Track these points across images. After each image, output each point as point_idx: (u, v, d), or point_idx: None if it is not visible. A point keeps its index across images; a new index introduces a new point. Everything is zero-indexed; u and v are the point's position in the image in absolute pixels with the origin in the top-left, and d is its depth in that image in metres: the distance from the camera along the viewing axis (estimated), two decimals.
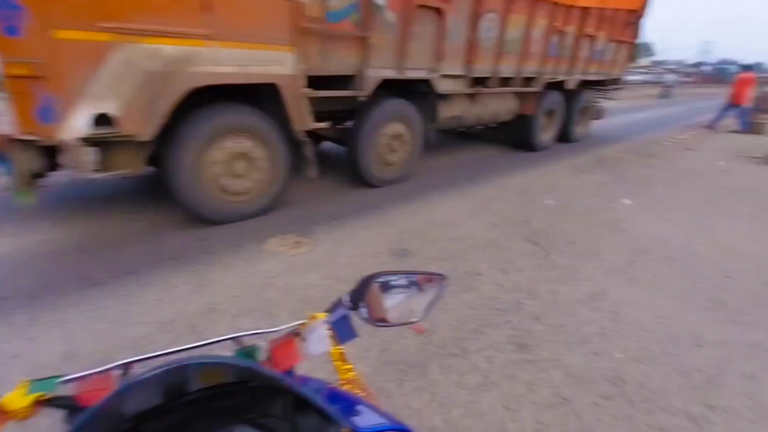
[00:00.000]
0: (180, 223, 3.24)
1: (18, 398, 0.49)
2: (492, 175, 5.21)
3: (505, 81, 5.42)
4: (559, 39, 5.77)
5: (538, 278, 2.73)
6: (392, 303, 0.73)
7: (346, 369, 0.67)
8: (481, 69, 4.91)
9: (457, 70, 4.66)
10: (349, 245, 3.08)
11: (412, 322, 0.75)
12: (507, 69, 5.27)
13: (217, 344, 0.65)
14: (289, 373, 0.65)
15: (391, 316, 0.73)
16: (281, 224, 3.37)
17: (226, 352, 0.66)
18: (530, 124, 6.27)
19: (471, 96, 5.07)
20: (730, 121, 9.84)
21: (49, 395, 0.52)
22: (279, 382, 0.46)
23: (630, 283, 2.72)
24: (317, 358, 0.68)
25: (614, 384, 1.85)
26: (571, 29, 5.86)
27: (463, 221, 3.66)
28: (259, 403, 0.56)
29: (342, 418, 0.45)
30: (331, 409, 0.44)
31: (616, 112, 12.90)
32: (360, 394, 0.65)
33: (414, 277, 0.76)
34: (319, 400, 0.44)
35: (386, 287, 0.73)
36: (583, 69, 6.58)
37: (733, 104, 9.66)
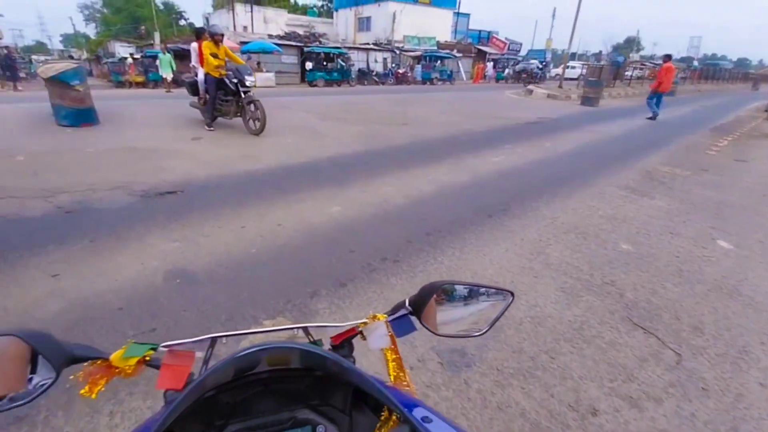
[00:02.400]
0: None
1: (125, 357, 0.54)
2: (526, 199, 4.17)
3: None
4: None
5: (692, 419, 1.66)
6: (455, 314, 0.68)
7: (398, 366, 0.67)
8: None
9: None
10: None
11: (475, 335, 0.69)
12: None
13: (287, 331, 0.68)
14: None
15: (453, 326, 0.68)
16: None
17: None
18: None
19: None
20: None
21: (151, 356, 0.56)
22: (358, 376, 0.47)
23: None
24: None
25: None
26: None
27: (523, 287, 2.59)
28: (322, 392, 0.58)
29: (420, 424, 0.43)
30: (407, 412, 0.43)
31: (636, 112, 11.87)
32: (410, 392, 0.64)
33: (479, 290, 0.69)
34: (395, 400, 0.43)
35: (449, 297, 0.68)
36: None
37: (658, 92, 11.04)
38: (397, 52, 27.65)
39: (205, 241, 3.01)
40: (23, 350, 0.45)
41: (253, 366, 0.54)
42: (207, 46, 6.29)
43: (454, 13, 36.53)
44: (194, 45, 6.61)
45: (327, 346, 0.67)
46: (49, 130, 6.51)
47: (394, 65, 26.47)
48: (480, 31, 39.08)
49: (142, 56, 18.74)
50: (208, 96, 6.75)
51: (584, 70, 20.68)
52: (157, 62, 15.67)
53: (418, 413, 0.48)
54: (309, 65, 20.47)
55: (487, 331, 0.68)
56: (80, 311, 2.13)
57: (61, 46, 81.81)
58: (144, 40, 28.83)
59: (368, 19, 33.89)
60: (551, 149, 6.93)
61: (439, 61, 27.22)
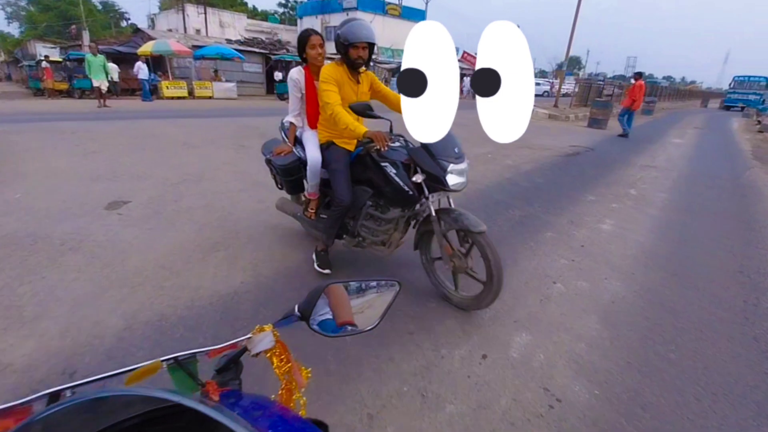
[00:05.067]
0: None
1: None
2: None
3: None
4: None
5: None
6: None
7: (284, 366, 0.66)
8: None
9: None
10: None
11: (368, 330, 0.69)
12: None
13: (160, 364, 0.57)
14: (233, 392, 0.60)
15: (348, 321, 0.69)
16: None
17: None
18: None
19: None
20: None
21: None
22: (192, 405, 0.41)
23: None
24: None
25: None
26: None
27: None
28: (203, 425, 0.50)
29: None
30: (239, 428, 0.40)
31: (660, 135, 10.27)
32: (299, 382, 0.67)
33: (367, 284, 0.71)
34: (231, 420, 0.39)
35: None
36: None
37: (630, 110, 11.16)
38: (372, 64, 25.66)
39: None
40: None
41: (107, 416, 0.47)
42: (330, 74, 2.32)
43: None
44: (294, 74, 2.66)
45: (212, 371, 0.63)
46: None
47: None
48: None
49: (64, 59, 15.10)
50: (334, 200, 2.45)
51: (576, 88, 19.65)
52: (85, 66, 12.34)
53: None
54: (278, 75, 17.86)
55: (378, 323, 0.69)
56: None
57: None
58: (74, 40, 24.75)
59: (335, 28, 31.86)
60: (645, 200, 5.00)
61: None
